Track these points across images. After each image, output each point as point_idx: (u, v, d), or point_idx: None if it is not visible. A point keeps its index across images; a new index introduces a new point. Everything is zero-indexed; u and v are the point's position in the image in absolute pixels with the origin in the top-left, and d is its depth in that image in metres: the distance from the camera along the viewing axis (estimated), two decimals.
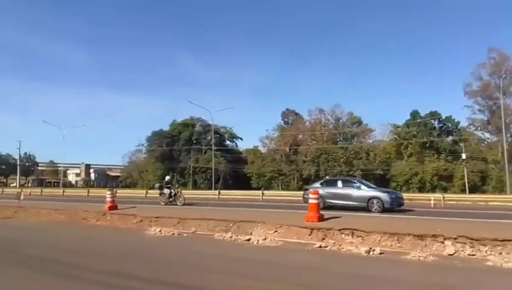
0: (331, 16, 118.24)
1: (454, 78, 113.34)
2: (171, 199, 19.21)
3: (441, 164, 52.88)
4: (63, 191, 38.25)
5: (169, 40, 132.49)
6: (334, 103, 70.57)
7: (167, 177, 21.69)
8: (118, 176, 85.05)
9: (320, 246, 8.11)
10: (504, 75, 44.00)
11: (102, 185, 75.11)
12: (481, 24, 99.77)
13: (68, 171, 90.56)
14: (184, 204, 18.72)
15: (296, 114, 69.26)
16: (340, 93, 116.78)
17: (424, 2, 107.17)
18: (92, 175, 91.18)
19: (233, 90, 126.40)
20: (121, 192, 32.57)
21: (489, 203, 22.51)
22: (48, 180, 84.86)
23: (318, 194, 11.60)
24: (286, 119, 70.26)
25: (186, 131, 68.50)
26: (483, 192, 45.68)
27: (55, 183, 77.80)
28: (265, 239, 8.74)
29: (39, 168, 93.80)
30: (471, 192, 45.05)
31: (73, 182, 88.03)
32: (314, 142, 62.25)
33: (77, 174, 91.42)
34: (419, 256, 7.06)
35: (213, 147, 53.93)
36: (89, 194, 34.78)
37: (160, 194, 19.90)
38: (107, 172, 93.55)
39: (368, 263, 6.88)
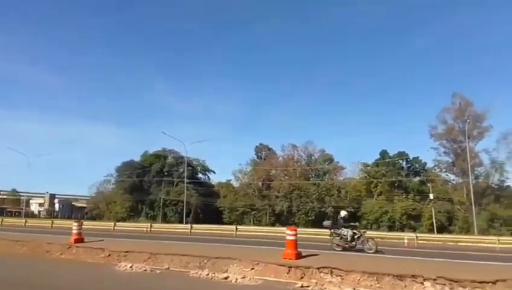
0: (308, 54, 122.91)
1: (421, 120, 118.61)
2: (353, 244, 14.57)
3: (410, 203, 54.17)
4: (25, 222, 36.16)
5: (144, 70, 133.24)
6: (307, 139, 71.78)
7: (343, 213, 16.11)
8: (84, 207, 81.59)
9: (302, 286, 7.87)
10: (468, 120, 46.49)
11: (66, 216, 71.76)
12: (447, 69, 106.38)
13: (31, 201, 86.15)
14: (376, 251, 14.10)
15: (270, 149, 69.83)
16: (313, 130, 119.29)
17: (395, 46, 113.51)
18: (57, 205, 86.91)
19: (208, 123, 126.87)
20: (88, 224, 31.09)
21: (458, 243, 23.06)
22: (8, 210, 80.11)
23: (295, 230, 11.41)
24: (259, 154, 70.60)
25: (158, 163, 67.33)
26: (450, 232, 46.80)
27: (17, 213, 73.99)
28: (244, 277, 8.41)
29: (0, 196, 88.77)
30: (438, 232, 46.06)
31: (36, 212, 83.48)
32: (287, 177, 62.58)
33: (40, 204, 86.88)
34: None
35: (185, 180, 53.03)
36: (53, 225, 32.99)
37: (333, 234, 15.18)
38: (73, 203, 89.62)
39: None
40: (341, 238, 14.83)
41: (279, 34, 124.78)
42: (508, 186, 51.62)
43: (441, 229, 48.63)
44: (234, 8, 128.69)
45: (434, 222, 48.81)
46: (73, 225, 15.59)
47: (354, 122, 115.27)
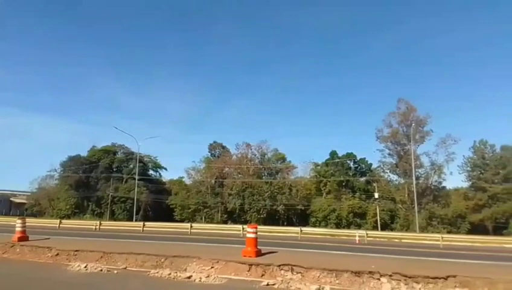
0: (260, 53, 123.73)
1: (369, 123, 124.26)
2: None
3: (356, 201, 56.53)
4: None
5: (93, 65, 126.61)
6: (261, 138, 72.52)
7: None
8: (24, 203, 76.01)
9: (267, 284, 7.93)
10: (412, 125, 49.49)
11: (4, 213, 66.45)
12: (394, 75, 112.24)
13: None
14: None
15: (223, 147, 69.52)
16: (266, 129, 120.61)
17: (350, 49, 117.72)
18: None
19: (160, 120, 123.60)
20: (30, 221, 29.05)
21: (402, 240, 24.46)
22: None
23: (256, 228, 11.49)
24: (213, 152, 70.04)
25: (107, 158, 64.50)
26: (392, 229, 49.44)
27: None
28: (208, 277, 8.29)
29: None
30: (382, 229, 48.43)
31: None
32: (240, 175, 62.69)
33: None
34: None
35: (136, 176, 51.33)
36: None
37: None
38: (11, 198, 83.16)
39: None
40: None
41: (230, 33, 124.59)
42: (445, 187, 55.81)
43: (384, 227, 51.21)
44: (189, 5, 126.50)
45: (378, 219, 51.34)
46: (17, 221, 14.56)
47: (306, 123, 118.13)
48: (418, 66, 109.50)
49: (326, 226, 51.06)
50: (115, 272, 9.41)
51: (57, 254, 11.85)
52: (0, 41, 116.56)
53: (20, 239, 13.38)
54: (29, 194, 75.04)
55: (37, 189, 70.82)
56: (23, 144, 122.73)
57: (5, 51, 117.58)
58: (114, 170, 64.48)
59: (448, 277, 7.75)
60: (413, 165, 44.45)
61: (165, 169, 71.48)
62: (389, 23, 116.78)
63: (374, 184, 59.24)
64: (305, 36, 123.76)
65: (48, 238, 14.79)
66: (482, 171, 55.01)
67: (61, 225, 28.19)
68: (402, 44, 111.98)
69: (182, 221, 44.20)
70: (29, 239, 13.72)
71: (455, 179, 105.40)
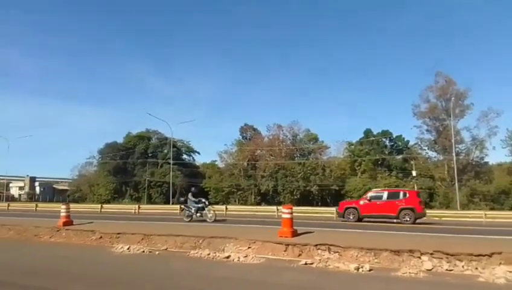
0: (290, 33, 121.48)
1: (405, 99, 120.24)
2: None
3: (393, 180, 55.20)
4: (8, 205, 35.33)
5: (122, 50, 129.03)
6: (292, 119, 71.83)
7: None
8: (66, 190, 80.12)
9: (306, 263, 7.91)
10: (452, 98, 47.24)
11: (48, 200, 70.34)
12: (431, 46, 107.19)
13: (11, 185, 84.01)
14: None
15: (255, 129, 69.71)
16: (298, 109, 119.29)
17: (381, 22, 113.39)
18: (37, 189, 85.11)
19: (190, 104, 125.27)
20: (73, 206, 30.57)
21: (443, 218, 23.71)
22: None
23: (291, 208, 11.43)
24: (244, 134, 70.43)
25: (142, 144, 66.48)
26: (431, 207, 48.06)
27: None
28: (246, 256, 8.39)
29: None
30: None
31: (16, 195, 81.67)
32: (272, 157, 62.78)
33: (21, 188, 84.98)
34: (410, 272, 7.05)
35: (171, 161, 52.61)
36: (37, 208, 32.35)
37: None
38: (54, 185, 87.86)
39: (363, 281, 6.77)
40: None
41: (260, 14, 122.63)
42: (487, 162, 53.28)
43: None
44: None
45: None
46: (62, 207, 15.33)
47: (339, 101, 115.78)
48: (454, 37, 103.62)
49: None
50: (157, 253, 9.71)
51: (101, 237, 12.38)
52: (40, 33, 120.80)
53: (65, 223, 14.08)
54: (70, 181, 78.93)
55: (78, 176, 74.29)
56: (61, 132, 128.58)
57: (43, 42, 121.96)
58: (149, 155, 66.37)
59: (492, 253, 7.43)
60: (453, 141, 42.69)
61: (198, 153, 72.91)
62: None
63: (412, 162, 57.57)
64: (334, 12, 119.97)
65: (91, 222, 15.47)
66: None
67: (102, 210, 29.51)
68: (437, 14, 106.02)
69: (216, 203, 44.97)
70: (74, 223, 14.41)
71: (498, 154, 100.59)
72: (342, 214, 20.27)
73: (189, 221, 16.80)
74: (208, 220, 16.52)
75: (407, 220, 17.97)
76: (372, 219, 19.16)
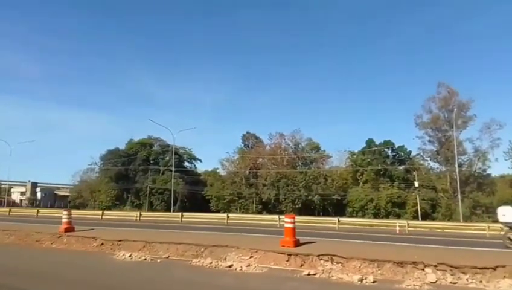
0: (291, 41, 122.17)
1: (407, 109, 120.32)
2: None
3: (395, 191, 55.03)
4: (9, 211, 35.34)
5: (124, 56, 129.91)
6: (294, 127, 71.96)
7: None
8: (67, 196, 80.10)
9: (309, 274, 7.85)
10: (455, 109, 47.22)
11: (49, 205, 70.38)
12: (432, 59, 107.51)
13: (12, 190, 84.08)
14: None
15: (257, 137, 69.77)
16: (300, 118, 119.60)
17: (383, 33, 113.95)
18: (39, 194, 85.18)
19: (192, 111, 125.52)
20: (74, 213, 30.53)
21: (445, 230, 23.57)
22: None
23: (294, 218, 11.37)
24: (246, 142, 70.43)
25: (144, 151, 66.62)
26: (434, 219, 47.86)
27: None
28: (248, 266, 8.34)
29: None
30: (422, 219, 47.06)
31: (18, 201, 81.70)
32: (274, 166, 62.75)
33: (22, 193, 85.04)
34: (414, 285, 6.98)
35: (173, 168, 52.60)
36: (39, 214, 32.36)
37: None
38: (55, 191, 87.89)
39: None
40: None
41: (263, 21, 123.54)
42: (489, 174, 53.08)
43: (425, 217, 49.69)
44: None
45: (419, 209, 49.77)
46: (63, 213, 15.22)
47: (341, 111, 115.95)
48: (457, 47, 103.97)
49: (363, 216, 50.22)
50: (158, 261, 9.65)
51: (102, 244, 12.31)
52: (44, 36, 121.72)
53: (67, 230, 13.97)
54: (71, 187, 78.88)
55: (79, 182, 74.38)
56: (62, 137, 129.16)
57: (46, 46, 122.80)
58: (151, 162, 66.46)
59: (497, 267, 7.34)
60: (455, 152, 42.60)
61: (200, 161, 73.07)
62: (425, 4, 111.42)
63: (414, 172, 57.44)
64: (337, 20, 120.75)
65: (93, 229, 15.38)
66: None
67: (103, 216, 29.50)
68: (438, 25, 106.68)
69: (217, 212, 44.98)
70: (75, 230, 14.34)
71: (501, 166, 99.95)
72: None
73: None
74: None
75: None
76: None
